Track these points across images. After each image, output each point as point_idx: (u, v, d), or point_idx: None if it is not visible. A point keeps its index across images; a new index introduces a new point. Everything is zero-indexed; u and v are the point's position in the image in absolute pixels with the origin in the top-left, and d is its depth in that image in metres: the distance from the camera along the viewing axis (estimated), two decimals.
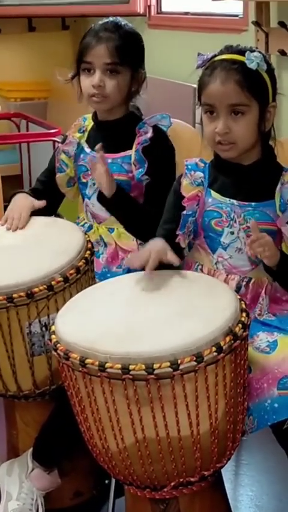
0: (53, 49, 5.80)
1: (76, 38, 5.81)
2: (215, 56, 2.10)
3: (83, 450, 2.14)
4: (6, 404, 2.52)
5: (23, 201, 2.57)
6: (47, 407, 2.32)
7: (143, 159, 2.42)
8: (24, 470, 2.33)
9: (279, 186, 2.10)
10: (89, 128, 2.62)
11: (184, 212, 2.17)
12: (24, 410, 2.43)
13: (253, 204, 2.11)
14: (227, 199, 2.15)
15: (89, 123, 2.62)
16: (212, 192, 2.18)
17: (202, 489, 1.93)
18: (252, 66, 2.03)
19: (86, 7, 5.37)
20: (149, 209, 2.40)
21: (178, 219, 2.16)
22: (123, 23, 2.48)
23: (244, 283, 2.14)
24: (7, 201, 2.85)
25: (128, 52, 2.43)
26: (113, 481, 2.35)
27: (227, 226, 2.14)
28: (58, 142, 4.41)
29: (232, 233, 2.14)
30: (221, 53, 2.10)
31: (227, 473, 2.54)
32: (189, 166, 2.22)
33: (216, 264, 2.17)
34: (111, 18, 2.49)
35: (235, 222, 2.13)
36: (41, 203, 2.57)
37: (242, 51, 2.06)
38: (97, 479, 2.49)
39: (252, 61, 2.03)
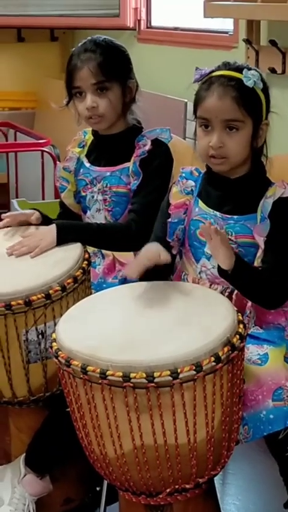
0: (41, 60, 5.87)
1: (65, 49, 5.87)
2: (213, 71, 2.14)
3: (73, 457, 2.17)
4: None
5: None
6: (40, 414, 2.35)
7: (139, 171, 2.47)
8: (16, 476, 2.35)
9: (262, 200, 2.13)
10: (88, 143, 2.67)
11: (169, 220, 2.20)
12: (18, 417, 2.45)
13: (235, 217, 2.15)
14: (211, 210, 2.18)
15: (89, 138, 2.67)
16: (200, 201, 2.22)
17: (196, 496, 1.96)
18: (249, 84, 2.07)
19: (75, 19, 5.42)
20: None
21: (165, 227, 2.20)
22: (101, 39, 2.52)
23: (227, 293, 2.16)
24: None
25: (112, 67, 2.48)
26: (105, 487, 2.37)
27: None
28: (47, 152, 4.49)
29: None
30: (219, 68, 2.14)
31: None
32: (183, 174, 2.27)
33: (200, 273, 2.21)
34: (89, 38, 2.53)
35: None
36: None
37: (239, 69, 2.11)
38: (88, 487, 2.51)
39: (250, 79, 2.07)
